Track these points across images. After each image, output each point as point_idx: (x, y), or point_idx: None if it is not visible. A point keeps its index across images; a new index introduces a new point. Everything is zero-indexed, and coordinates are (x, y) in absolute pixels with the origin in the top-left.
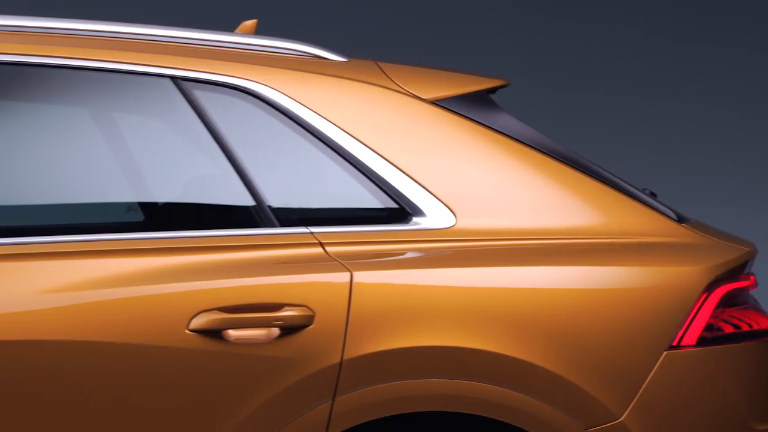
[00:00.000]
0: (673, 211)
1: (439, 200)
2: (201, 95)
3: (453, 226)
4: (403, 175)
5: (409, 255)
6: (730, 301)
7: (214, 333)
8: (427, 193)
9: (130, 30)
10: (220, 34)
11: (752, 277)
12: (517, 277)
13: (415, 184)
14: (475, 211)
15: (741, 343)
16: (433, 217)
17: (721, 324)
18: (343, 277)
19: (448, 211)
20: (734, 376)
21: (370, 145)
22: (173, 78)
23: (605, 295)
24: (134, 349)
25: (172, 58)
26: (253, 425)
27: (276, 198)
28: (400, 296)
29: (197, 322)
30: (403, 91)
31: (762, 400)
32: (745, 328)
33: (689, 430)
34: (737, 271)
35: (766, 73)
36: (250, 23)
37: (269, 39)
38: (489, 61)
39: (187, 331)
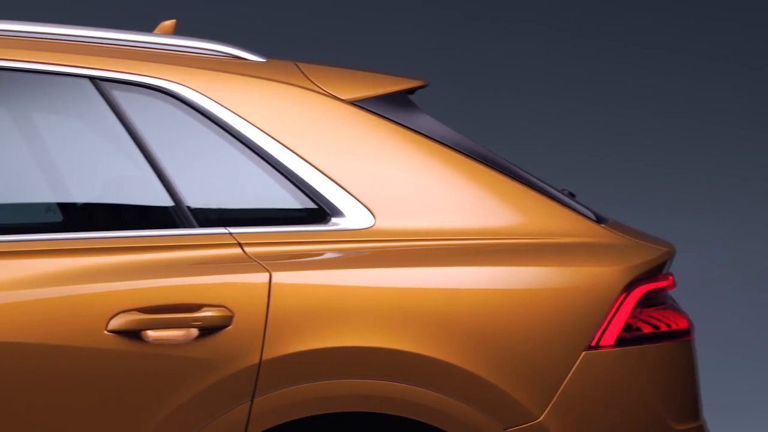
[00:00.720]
0: (591, 211)
1: (358, 201)
2: (119, 95)
3: (372, 226)
4: (322, 175)
5: (328, 255)
6: (648, 302)
7: (132, 334)
8: (346, 193)
9: (48, 30)
10: (138, 35)
11: (671, 277)
12: (436, 278)
13: (334, 184)
14: (394, 211)
15: (659, 344)
16: (352, 217)
17: (640, 324)
18: (262, 277)
19: (367, 211)
20: (653, 376)
21: (288, 146)
22: (92, 78)
23: (524, 295)
24: (53, 350)
25: (91, 59)
26: (172, 426)
27: (195, 198)
28: (319, 297)
29: (116, 323)
30: (322, 92)
31: (680, 400)
32: (663, 328)
33: (608, 430)
34: (656, 271)
35: (679, 73)
36: (169, 23)
37: (188, 39)
38: (407, 61)
39: (105, 332)
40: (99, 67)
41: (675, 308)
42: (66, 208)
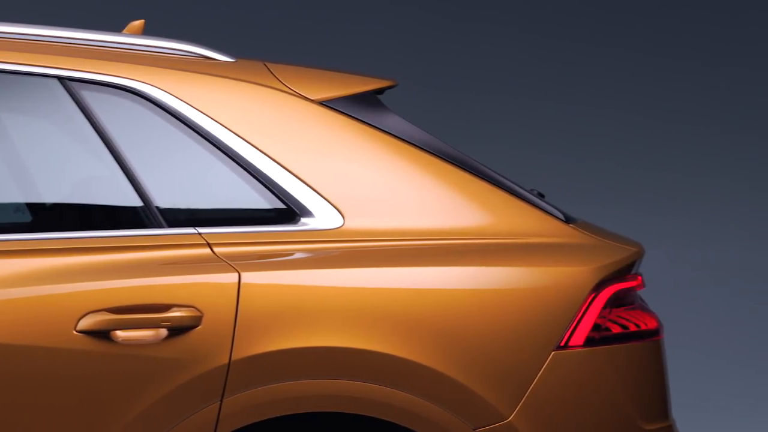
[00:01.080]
0: (560, 211)
1: (327, 201)
2: (88, 95)
3: (341, 226)
4: (291, 175)
5: (297, 255)
6: (617, 302)
7: (102, 334)
8: (315, 193)
9: (16, 30)
10: (106, 35)
11: (640, 278)
12: (405, 278)
13: (303, 184)
14: (363, 211)
15: (628, 344)
16: (322, 217)
17: (609, 324)
18: (231, 277)
19: (336, 211)
20: (622, 376)
21: (257, 146)
22: (60, 78)
23: (493, 295)
24: (22, 350)
25: (59, 59)
26: (141, 426)
27: (164, 199)
28: (288, 297)
29: (85, 323)
30: (291, 92)
31: (649, 400)
32: (632, 328)
33: (577, 430)
34: (625, 271)
35: (647, 74)
36: (138, 23)
37: (157, 39)
38: (375, 62)
39: (74, 332)
40: (68, 67)
41: (644, 308)
42: (35, 208)
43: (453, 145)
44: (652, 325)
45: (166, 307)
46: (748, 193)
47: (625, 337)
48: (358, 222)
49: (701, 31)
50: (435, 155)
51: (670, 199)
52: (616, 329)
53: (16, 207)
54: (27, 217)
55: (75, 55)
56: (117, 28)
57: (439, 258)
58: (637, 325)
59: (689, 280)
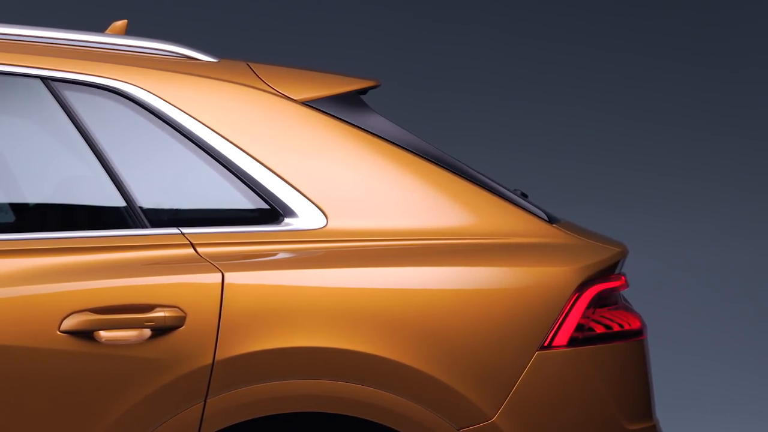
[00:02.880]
0: (543, 211)
1: (311, 201)
2: (71, 95)
3: (324, 227)
4: (274, 175)
5: (280, 256)
6: (600, 302)
7: (85, 334)
8: (298, 194)
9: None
10: (89, 35)
11: (623, 277)
12: (389, 278)
13: (286, 185)
14: (347, 212)
15: (611, 344)
16: (305, 218)
17: (592, 324)
18: (214, 277)
19: (320, 211)
20: (605, 376)
21: (240, 146)
22: (43, 78)
23: (476, 295)
24: (5, 350)
25: (42, 59)
26: (125, 426)
27: (147, 199)
28: (271, 297)
29: (69, 323)
30: (274, 92)
31: (633, 400)
32: (616, 328)
33: (561, 430)
34: (608, 271)
35: (630, 74)
36: (120, 23)
37: (139, 39)
38: (358, 62)
39: (58, 332)
40: (50, 68)
41: (627, 308)
42: (18, 208)
43: (435, 145)
44: (635, 325)
45: (150, 308)
46: (731, 193)
47: (609, 337)
48: (342, 222)
49: (683, 32)
50: (418, 155)
51: (653, 198)
52: (599, 329)
53: (15, 206)
54: (10, 218)
55: (58, 56)
56: (99, 28)
57: (423, 258)
58: (621, 325)
59: (672, 281)
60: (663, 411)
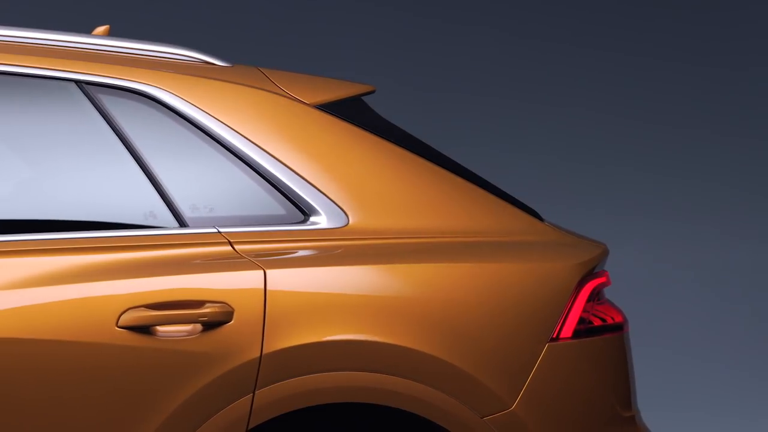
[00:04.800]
0: (533, 210)
1: (332, 201)
2: (104, 99)
3: (346, 225)
4: (297, 176)
5: (311, 253)
6: (593, 297)
7: (142, 329)
8: (321, 194)
9: (31, 35)
10: (114, 40)
11: (607, 274)
12: (412, 274)
13: (309, 185)
14: (365, 211)
15: (604, 336)
16: (328, 217)
17: (591, 318)
18: (257, 274)
19: (341, 211)
20: (603, 366)
21: (265, 148)
22: (77, 82)
23: (491, 290)
24: (67, 346)
25: (76, 63)
26: (180, 417)
27: (183, 199)
28: (309, 292)
29: (126, 319)
30: (288, 96)
31: (623, 389)
32: (609, 321)
33: (572, 417)
34: (597, 268)
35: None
36: (103, 29)
37: (160, 45)
38: (359, 62)
39: (116, 328)
40: (86, 72)
41: (611, 303)
42: (69, 208)
43: (440, 147)
44: (618, 319)
45: (200, 303)
46: (731, 193)
47: (603, 329)
48: (361, 221)
49: (683, 31)
50: (425, 158)
51: (653, 199)
52: (597, 322)
53: (61, 206)
54: (65, 216)
55: (93, 60)
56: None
57: (439, 255)
58: (609, 319)
59: (672, 281)
60: (663, 411)
